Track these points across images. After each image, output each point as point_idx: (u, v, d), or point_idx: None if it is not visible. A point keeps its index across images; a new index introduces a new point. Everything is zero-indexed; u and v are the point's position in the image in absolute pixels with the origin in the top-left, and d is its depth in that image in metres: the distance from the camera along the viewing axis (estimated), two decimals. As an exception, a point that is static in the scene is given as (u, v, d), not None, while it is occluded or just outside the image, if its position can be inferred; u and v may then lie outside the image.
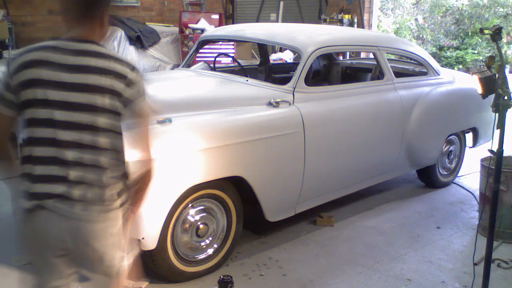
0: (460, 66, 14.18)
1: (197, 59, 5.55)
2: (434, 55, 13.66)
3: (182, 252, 3.33)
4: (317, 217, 4.32)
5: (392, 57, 6.32)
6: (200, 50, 5.00)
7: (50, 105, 1.87)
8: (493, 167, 2.91)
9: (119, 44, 7.36)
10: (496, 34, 2.75)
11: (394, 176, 4.87)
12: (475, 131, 5.38)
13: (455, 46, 14.84)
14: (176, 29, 8.36)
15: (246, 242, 3.94)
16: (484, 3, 14.53)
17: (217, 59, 4.99)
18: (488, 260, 2.93)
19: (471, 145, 5.51)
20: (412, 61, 5.41)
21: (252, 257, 3.74)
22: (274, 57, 7.68)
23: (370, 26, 8.69)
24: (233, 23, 9.96)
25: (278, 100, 3.69)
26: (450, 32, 15.16)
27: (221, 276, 2.65)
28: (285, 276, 3.48)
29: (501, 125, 2.76)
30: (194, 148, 3.12)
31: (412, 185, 5.41)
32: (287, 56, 7.90)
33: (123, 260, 2.05)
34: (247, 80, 4.05)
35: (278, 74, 5.47)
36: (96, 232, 1.92)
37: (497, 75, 2.77)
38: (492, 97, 2.79)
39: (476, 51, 14.26)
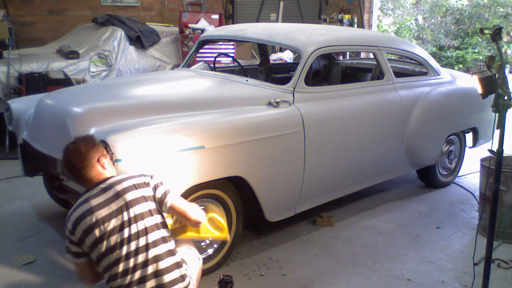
0: (460, 66, 14.18)
1: (197, 59, 5.55)
2: (434, 55, 13.66)
3: (182, 252, 3.33)
4: (317, 217, 4.32)
5: (392, 57, 6.32)
6: (200, 50, 5.00)
7: None
8: (493, 167, 2.91)
9: (119, 44, 7.35)
10: (496, 34, 2.75)
11: (394, 176, 4.87)
12: (475, 131, 5.38)
13: (455, 46, 14.84)
14: (176, 29, 8.35)
15: (246, 242, 3.94)
16: (484, 3, 14.53)
17: (217, 59, 4.99)
18: (488, 260, 2.92)
19: (471, 145, 5.51)
20: (412, 61, 5.41)
21: (252, 257, 3.74)
22: (274, 57, 7.67)
23: (370, 26, 8.68)
24: (233, 23, 9.95)
25: (278, 100, 3.69)
26: (450, 32, 15.16)
27: (221, 276, 2.65)
28: (285, 276, 3.48)
29: (501, 125, 2.76)
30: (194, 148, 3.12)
31: (412, 185, 5.41)
32: (287, 56, 7.89)
33: None
34: (247, 80, 4.05)
35: (278, 74, 5.47)
36: None
37: (497, 75, 2.77)
38: (492, 97, 2.79)
39: (476, 51, 14.26)
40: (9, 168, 5.53)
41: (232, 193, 3.49)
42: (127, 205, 2.44)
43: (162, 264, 2.45)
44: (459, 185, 5.41)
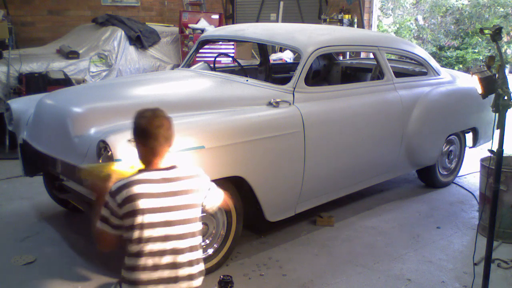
0: (460, 66, 14.18)
1: (197, 59, 5.55)
2: (434, 55, 13.67)
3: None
4: (317, 217, 4.32)
5: (392, 57, 6.32)
6: (200, 50, 5.00)
7: None
8: (493, 167, 2.91)
9: (119, 44, 7.35)
10: (496, 34, 2.75)
11: (394, 176, 4.87)
12: (475, 131, 5.38)
13: (455, 46, 14.84)
14: (176, 29, 8.35)
15: (246, 242, 3.94)
16: (484, 3, 14.53)
17: (217, 59, 4.99)
18: (488, 260, 2.93)
19: (471, 145, 5.51)
20: (412, 61, 5.41)
21: (252, 257, 3.74)
22: (274, 57, 7.66)
23: (370, 26, 8.68)
24: (233, 23, 9.95)
25: (278, 100, 3.69)
26: (450, 32, 15.16)
27: (221, 276, 2.65)
28: (285, 276, 3.48)
29: (501, 125, 2.76)
30: (194, 148, 3.12)
31: (412, 185, 5.41)
32: (287, 56, 7.89)
33: None
34: (247, 80, 4.05)
35: (278, 74, 5.47)
36: None
37: (497, 75, 2.77)
38: (492, 97, 2.79)
39: (476, 51, 14.26)
40: (9, 168, 5.53)
41: (232, 193, 3.49)
42: (178, 208, 2.27)
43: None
44: (459, 185, 5.41)
